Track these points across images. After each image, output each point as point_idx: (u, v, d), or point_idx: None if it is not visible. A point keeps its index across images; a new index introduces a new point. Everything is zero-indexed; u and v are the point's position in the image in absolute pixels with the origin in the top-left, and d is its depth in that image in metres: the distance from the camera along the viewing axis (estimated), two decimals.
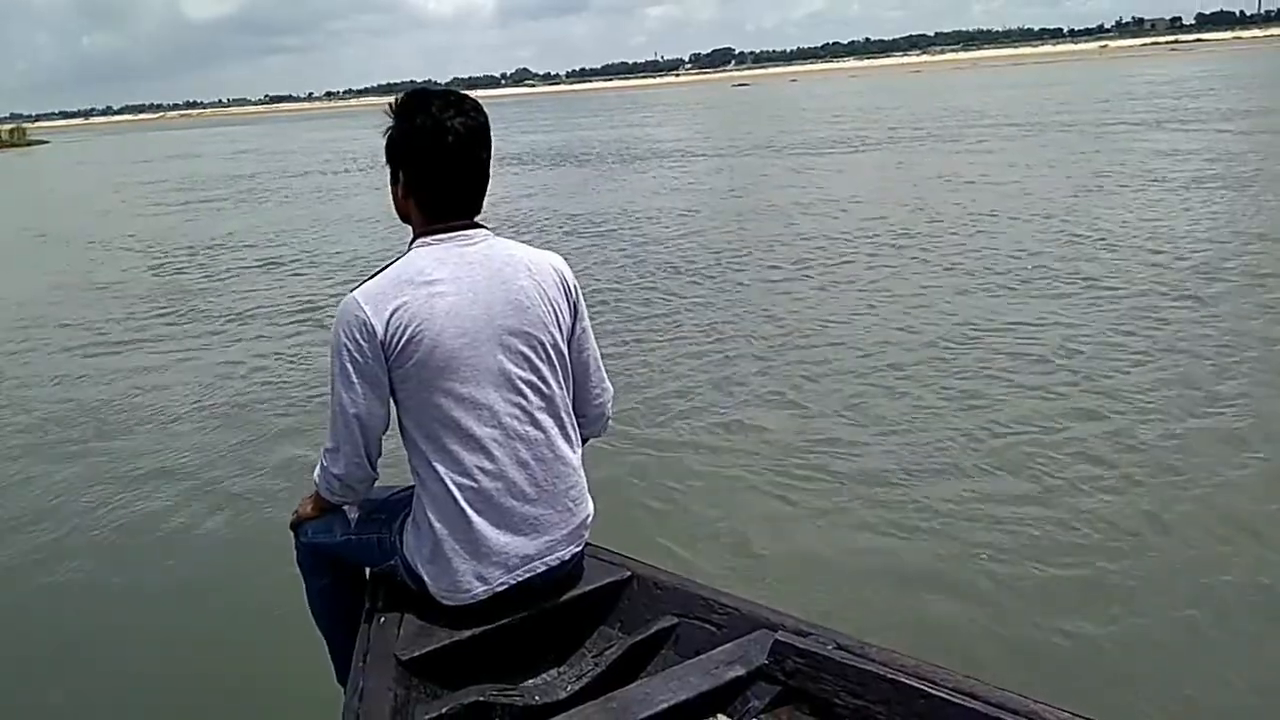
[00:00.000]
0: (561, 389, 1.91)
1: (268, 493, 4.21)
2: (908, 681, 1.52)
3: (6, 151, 52.39)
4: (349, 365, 1.78)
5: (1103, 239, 8.21)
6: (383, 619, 1.90)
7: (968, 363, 5.22)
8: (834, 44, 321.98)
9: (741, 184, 14.31)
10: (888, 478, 3.88)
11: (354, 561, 2.08)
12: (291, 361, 6.30)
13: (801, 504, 3.74)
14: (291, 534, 2.15)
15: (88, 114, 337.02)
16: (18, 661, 3.14)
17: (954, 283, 7.10)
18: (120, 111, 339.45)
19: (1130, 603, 2.92)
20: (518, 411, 1.83)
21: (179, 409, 5.54)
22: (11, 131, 64.21)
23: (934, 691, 1.49)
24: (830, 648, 1.63)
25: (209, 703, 2.77)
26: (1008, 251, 7.99)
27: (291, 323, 7.48)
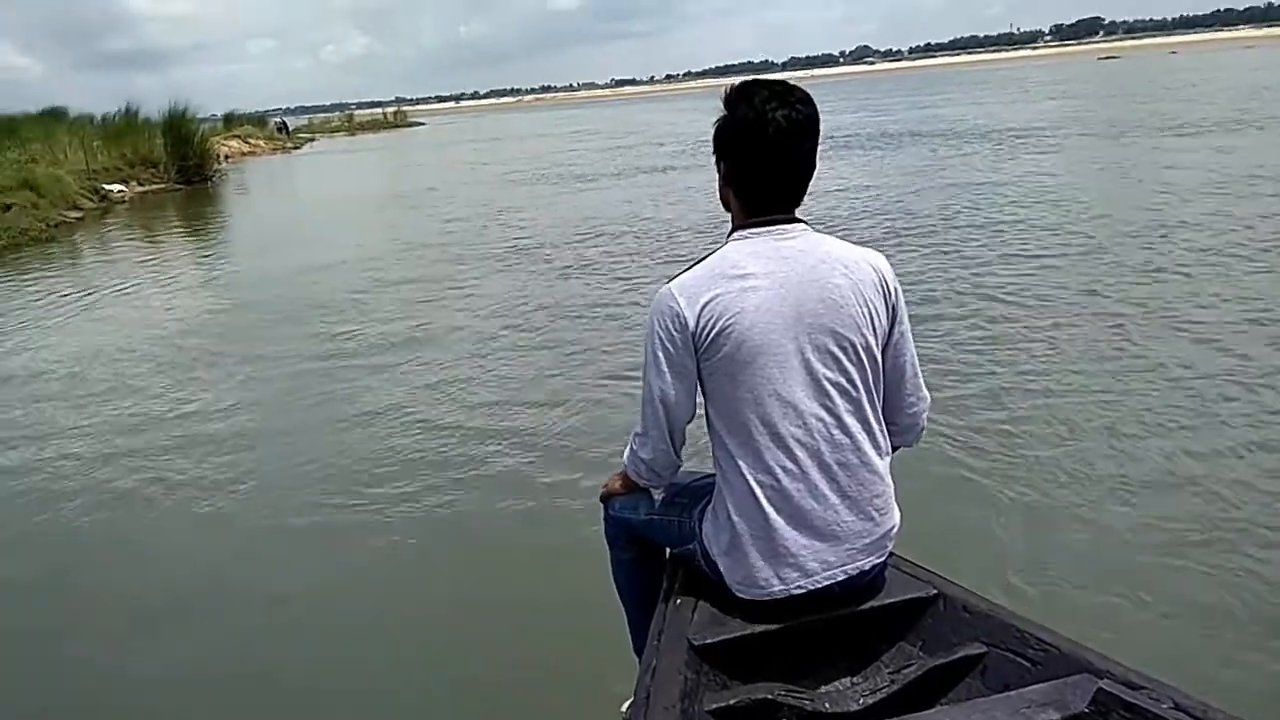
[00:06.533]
0: (871, 393, 1.83)
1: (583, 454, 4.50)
2: None
3: (391, 132, 61.01)
4: (660, 354, 1.83)
5: None
6: (679, 601, 1.93)
7: None
8: (1227, 10, 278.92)
9: (1106, 177, 12.85)
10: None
11: (655, 540, 2.15)
12: (618, 336, 6.57)
13: (1157, 547, 3.27)
14: (601, 506, 2.26)
15: (458, 98, 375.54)
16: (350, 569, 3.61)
17: None
18: (486, 95, 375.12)
19: None
20: (824, 413, 1.79)
21: (507, 367, 6.10)
22: (394, 114, 75.05)
23: None
24: (1166, 706, 1.44)
25: (530, 651, 2.99)
26: None
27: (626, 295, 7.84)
